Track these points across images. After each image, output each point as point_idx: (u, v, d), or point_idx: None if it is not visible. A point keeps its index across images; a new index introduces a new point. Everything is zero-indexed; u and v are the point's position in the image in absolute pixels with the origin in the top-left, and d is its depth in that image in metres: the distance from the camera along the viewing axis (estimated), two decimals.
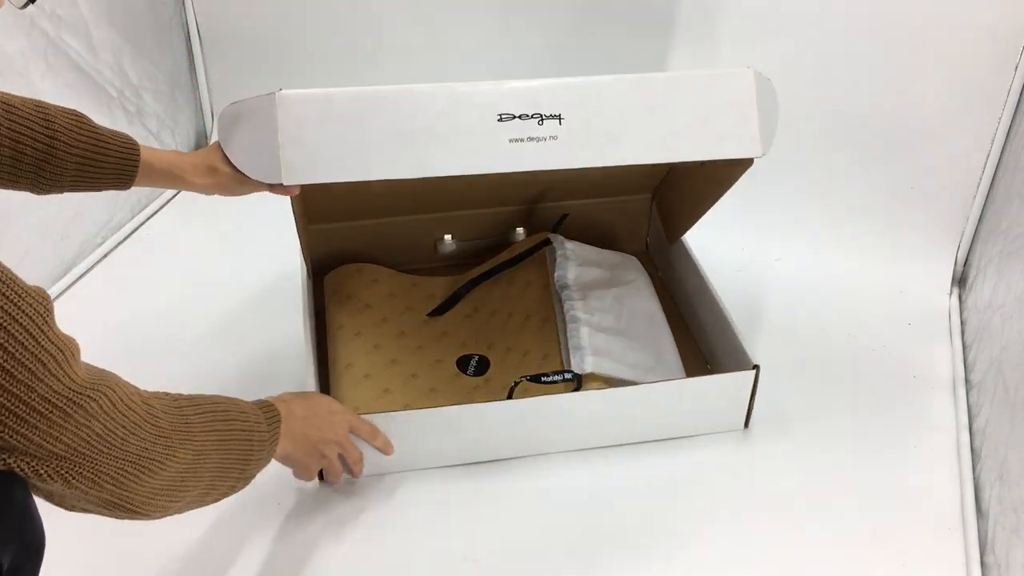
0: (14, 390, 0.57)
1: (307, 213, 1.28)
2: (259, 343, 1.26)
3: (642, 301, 1.25)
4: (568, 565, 0.96)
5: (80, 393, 0.61)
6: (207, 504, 0.77)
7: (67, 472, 0.61)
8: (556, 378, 1.09)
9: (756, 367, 1.08)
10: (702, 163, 1.11)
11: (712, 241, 1.34)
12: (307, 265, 1.22)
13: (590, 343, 1.13)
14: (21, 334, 0.57)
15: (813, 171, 1.47)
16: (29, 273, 1.31)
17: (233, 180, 0.95)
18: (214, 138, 1.72)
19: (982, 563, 0.97)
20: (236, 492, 0.80)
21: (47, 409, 0.59)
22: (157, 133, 1.62)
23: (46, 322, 0.59)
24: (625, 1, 1.58)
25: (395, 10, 1.65)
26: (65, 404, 0.60)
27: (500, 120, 0.92)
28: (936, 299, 1.38)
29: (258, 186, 0.95)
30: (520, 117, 0.92)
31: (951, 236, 1.41)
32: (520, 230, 1.38)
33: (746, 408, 1.12)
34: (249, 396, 0.86)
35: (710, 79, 0.96)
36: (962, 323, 1.33)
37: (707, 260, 1.26)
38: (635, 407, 1.07)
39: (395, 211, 1.31)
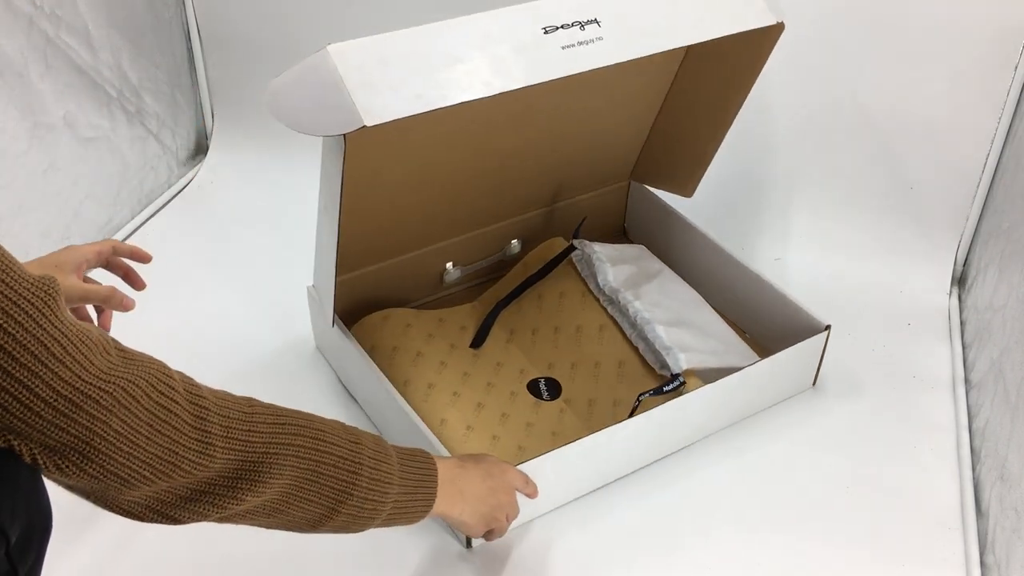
0: (18, 375, 0.55)
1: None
2: (260, 344, 1.26)
3: (678, 286, 1.27)
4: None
5: (91, 384, 0.59)
6: (289, 529, 0.73)
7: (74, 465, 0.59)
8: (673, 385, 1.07)
9: (828, 327, 1.15)
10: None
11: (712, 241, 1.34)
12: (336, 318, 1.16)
13: (675, 340, 1.12)
14: (23, 319, 0.55)
15: (813, 171, 1.46)
16: None
17: None
18: (215, 138, 1.72)
19: (982, 563, 0.98)
20: (343, 530, 0.75)
21: (51, 397, 0.57)
22: (157, 133, 1.62)
23: (50, 309, 0.57)
24: None
25: (396, 10, 1.64)
26: (72, 394, 0.58)
27: (546, 33, 0.95)
28: (936, 299, 1.37)
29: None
30: (563, 27, 0.95)
31: (951, 236, 1.41)
32: (515, 242, 1.36)
33: (815, 370, 1.20)
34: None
35: None
36: (962, 323, 1.33)
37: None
38: (734, 392, 1.11)
39: (398, 251, 1.26)
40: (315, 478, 0.72)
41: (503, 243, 1.36)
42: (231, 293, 1.37)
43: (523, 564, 0.98)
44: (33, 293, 0.56)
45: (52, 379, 0.57)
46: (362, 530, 0.78)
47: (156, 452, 0.62)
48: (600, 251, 1.27)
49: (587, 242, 1.29)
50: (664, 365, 1.11)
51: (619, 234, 1.47)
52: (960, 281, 1.41)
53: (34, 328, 0.56)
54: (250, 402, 0.70)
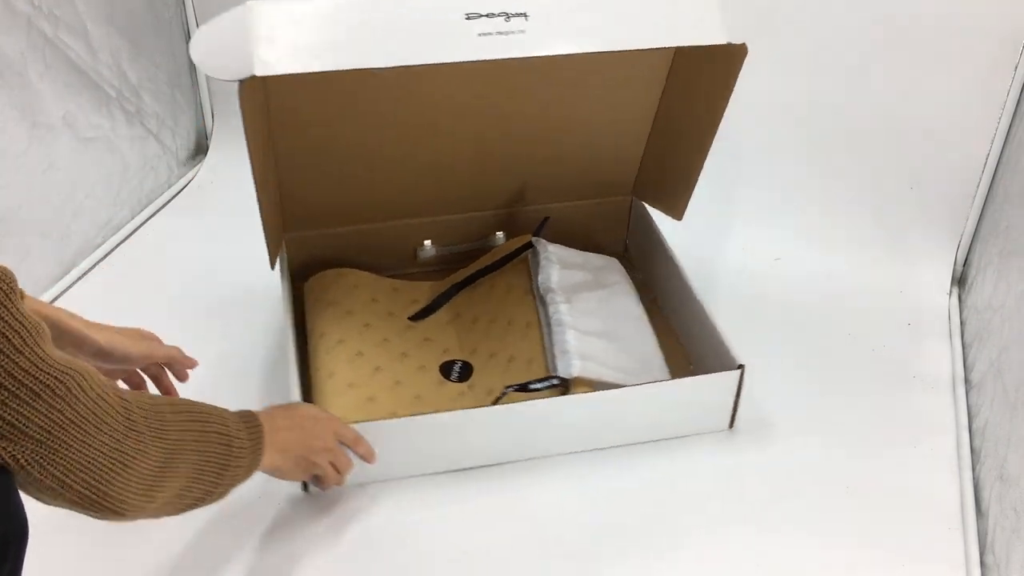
0: None
1: (285, 220, 1.27)
2: (260, 345, 1.26)
3: (626, 303, 1.25)
4: (560, 570, 0.96)
5: (48, 374, 0.61)
6: (181, 511, 0.76)
7: (42, 459, 0.61)
8: (542, 385, 1.08)
9: (741, 367, 1.08)
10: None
11: (712, 241, 1.34)
12: (286, 271, 1.22)
13: (577, 347, 1.12)
14: None
15: (813, 171, 1.46)
16: (29, 273, 1.31)
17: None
18: (215, 138, 1.72)
19: (982, 563, 0.97)
20: (211, 502, 0.78)
21: (13, 386, 0.59)
22: (157, 133, 1.62)
23: (9, 299, 0.59)
24: None
25: None
26: (32, 383, 0.60)
27: (468, 19, 0.96)
28: (936, 299, 1.37)
29: None
30: (488, 15, 0.96)
31: (951, 236, 1.41)
32: (500, 234, 1.38)
33: (731, 409, 1.12)
34: (245, 397, 0.86)
35: None
36: (962, 323, 1.33)
37: (707, 259, 1.26)
38: (621, 410, 1.07)
39: (374, 217, 1.31)
40: (206, 459, 0.75)
41: (487, 233, 1.38)
42: (231, 293, 1.36)
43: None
44: None
45: (12, 367, 0.58)
46: (220, 499, 0.80)
47: (105, 441, 0.64)
48: (554, 252, 1.28)
49: (544, 242, 1.30)
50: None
51: (620, 248, 1.45)
52: (960, 281, 1.41)
53: None
54: (149, 396, 0.73)
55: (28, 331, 0.60)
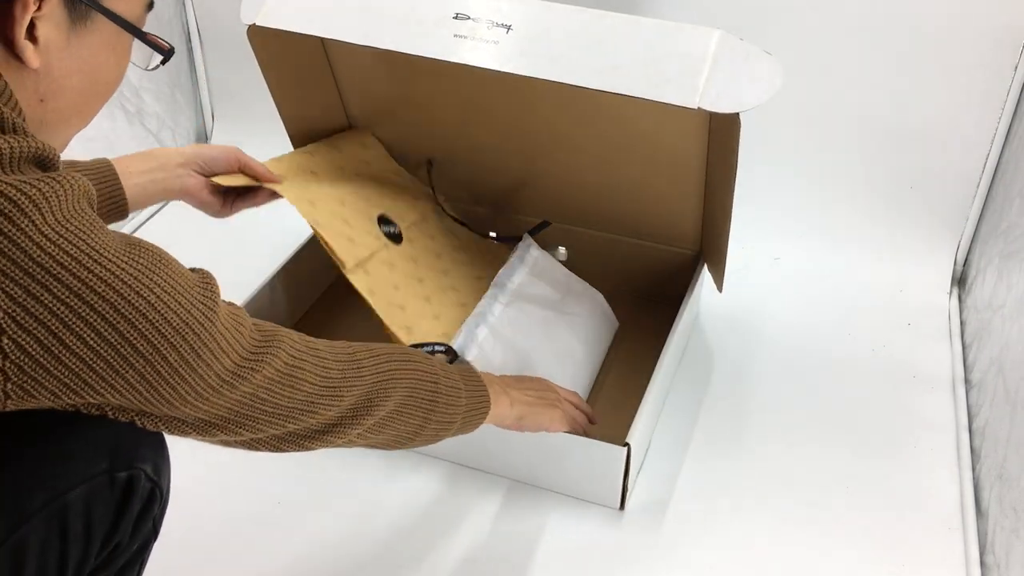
0: (178, 367, 0.59)
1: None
2: None
3: (569, 336, 1.19)
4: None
5: (242, 365, 0.64)
6: (391, 447, 0.80)
7: (217, 433, 0.65)
8: (428, 348, 1.03)
9: (627, 445, 0.99)
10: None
11: None
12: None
13: (482, 340, 1.09)
14: (186, 316, 0.59)
15: (813, 171, 1.46)
16: None
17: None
18: (215, 138, 1.72)
19: (982, 563, 0.98)
20: (430, 442, 0.82)
21: (203, 388, 0.61)
22: (157, 133, 1.62)
23: (215, 303, 0.62)
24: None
25: None
26: (225, 378, 0.62)
27: (456, 18, 0.97)
28: (936, 299, 1.37)
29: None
30: (473, 19, 0.97)
31: (951, 236, 1.41)
32: (562, 249, 1.30)
33: (620, 486, 1.03)
34: None
35: (674, 29, 0.94)
36: (962, 323, 1.33)
37: None
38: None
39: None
40: (410, 399, 0.78)
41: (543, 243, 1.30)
42: (231, 293, 1.36)
43: None
44: (197, 289, 0.61)
45: (220, 369, 0.62)
46: (440, 439, 0.84)
47: (296, 406, 0.68)
48: (536, 257, 1.24)
49: (532, 241, 1.25)
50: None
51: (674, 300, 1.22)
52: (960, 281, 1.41)
53: (195, 324, 0.59)
54: (348, 345, 0.77)
55: (229, 331, 0.63)
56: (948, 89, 1.34)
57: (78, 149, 1.43)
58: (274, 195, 1.10)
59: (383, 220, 1.19)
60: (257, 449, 0.70)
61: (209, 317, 0.60)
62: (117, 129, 1.50)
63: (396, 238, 1.19)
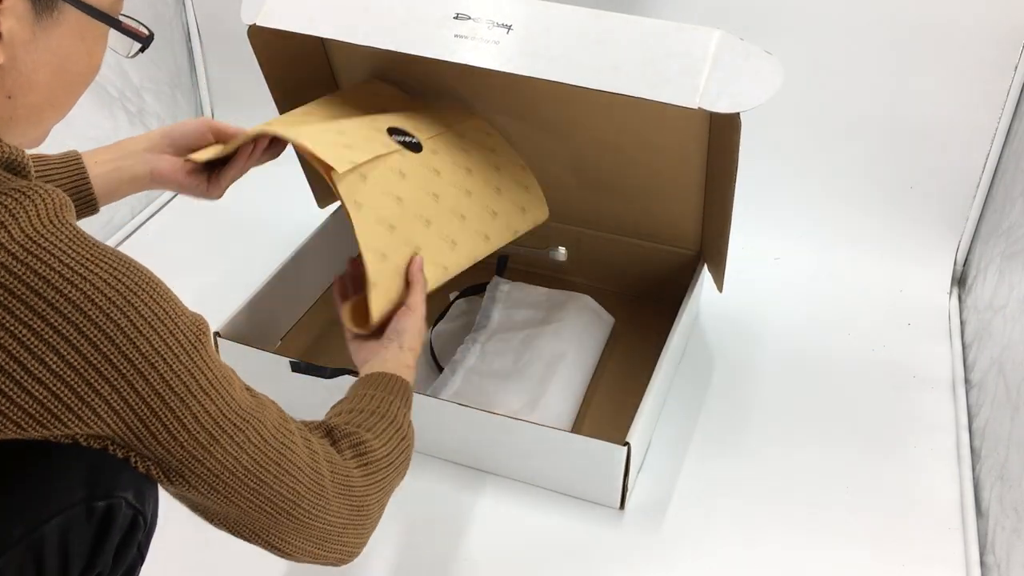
0: (170, 403, 0.58)
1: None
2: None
3: (554, 342, 1.19)
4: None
5: (231, 421, 0.62)
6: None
7: (193, 486, 0.62)
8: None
9: (627, 445, 0.98)
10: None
11: None
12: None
13: (459, 386, 1.15)
14: (179, 352, 0.58)
15: (813, 171, 1.46)
16: None
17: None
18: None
19: (982, 563, 0.98)
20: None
21: (196, 429, 0.60)
22: None
23: (204, 345, 0.60)
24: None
25: None
26: (213, 428, 0.61)
27: (456, 18, 0.97)
28: (936, 299, 1.37)
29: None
30: (474, 19, 0.97)
31: (951, 236, 1.41)
32: (562, 249, 1.29)
33: (620, 486, 1.02)
34: None
35: (674, 29, 0.94)
36: (962, 323, 1.33)
37: None
38: (472, 429, 1.05)
39: None
40: (396, 468, 0.78)
41: (547, 242, 1.29)
42: (232, 292, 1.36)
43: None
44: (189, 329, 0.59)
45: (199, 411, 0.59)
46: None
47: (280, 491, 0.65)
48: (507, 292, 1.28)
49: (499, 279, 1.29)
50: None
51: (674, 300, 1.22)
52: (960, 281, 1.41)
53: (187, 361, 0.58)
54: (342, 429, 0.75)
55: (217, 378, 0.61)
56: (948, 89, 1.34)
57: (79, 149, 1.43)
58: (259, 155, 1.00)
59: (395, 131, 1.03)
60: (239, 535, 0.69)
61: (200, 352, 0.60)
62: (118, 129, 1.50)
63: (414, 147, 1.03)
